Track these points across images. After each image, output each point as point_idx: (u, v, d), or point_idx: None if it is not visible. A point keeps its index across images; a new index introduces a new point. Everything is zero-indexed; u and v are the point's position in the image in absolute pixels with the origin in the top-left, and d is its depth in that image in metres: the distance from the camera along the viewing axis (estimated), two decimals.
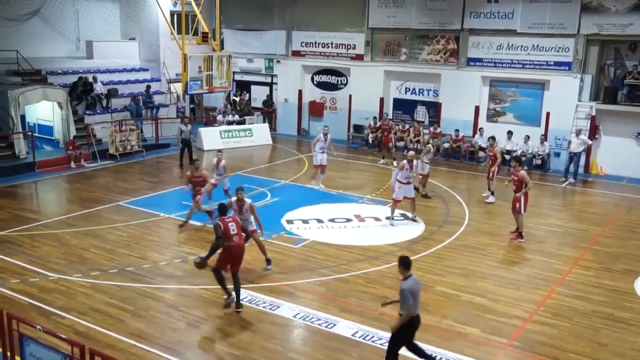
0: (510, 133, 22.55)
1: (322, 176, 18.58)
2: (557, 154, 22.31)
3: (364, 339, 9.64)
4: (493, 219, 16.34)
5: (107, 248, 13.30)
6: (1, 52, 22.39)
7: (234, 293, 10.40)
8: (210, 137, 24.98)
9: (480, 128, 23.33)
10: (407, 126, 25.18)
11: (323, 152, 18.57)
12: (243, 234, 10.71)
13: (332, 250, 13.53)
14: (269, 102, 29.13)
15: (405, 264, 8.18)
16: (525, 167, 22.05)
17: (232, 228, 10.32)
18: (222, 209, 10.67)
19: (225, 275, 10.48)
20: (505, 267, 12.91)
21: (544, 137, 22.24)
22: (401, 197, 15.28)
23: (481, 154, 23.04)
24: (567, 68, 22.18)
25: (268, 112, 29.03)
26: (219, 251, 10.28)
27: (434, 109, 25.34)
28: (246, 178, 19.85)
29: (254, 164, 22.72)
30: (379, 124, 24.86)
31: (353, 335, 9.75)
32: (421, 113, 25.88)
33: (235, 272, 10.37)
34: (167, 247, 13.61)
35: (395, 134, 24.50)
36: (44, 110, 23.50)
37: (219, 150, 16.69)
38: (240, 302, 10.44)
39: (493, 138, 19.70)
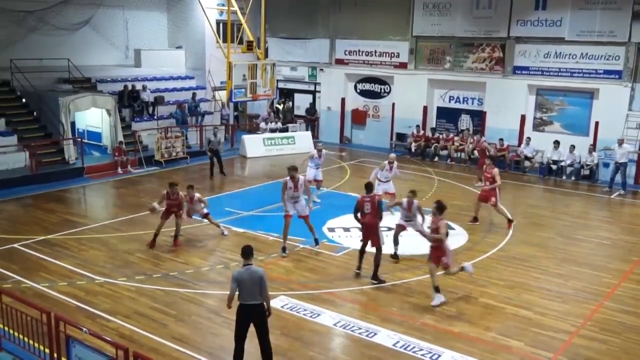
0: (557, 143, 22.10)
1: (317, 191, 17.98)
2: (607, 165, 21.73)
3: (405, 349, 9.53)
4: (539, 230, 16.01)
5: (152, 253, 13.49)
6: (53, 60, 23.08)
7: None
8: (254, 145, 25.17)
9: (528, 137, 22.92)
10: (450, 135, 24.93)
11: (318, 168, 17.90)
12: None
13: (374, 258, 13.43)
14: (311, 110, 29.24)
15: (243, 252, 8.54)
16: (573, 178, 21.68)
17: (367, 207, 12.00)
18: (369, 187, 12.41)
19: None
20: (551, 280, 12.61)
21: (593, 147, 21.72)
22: (381, 192, 15.63)
23: (527, 163, 22.65)
24: (617, 77, 21.63)
25: (311, 120, 29.13)
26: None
27: (478, 117, 25.03)
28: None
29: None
30: (453, 136, 24.63)
31: (394, 345, 9.65)
32: (465, 122, 25.59)
33: (372, 245, 12.10)
34: (210, 253, 13.74)
35: (438, 142, 24.30)
36: (93, 117, 24.08)
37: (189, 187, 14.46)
38: (377, 275, 11.97)
39: (492, 158, 18.10)
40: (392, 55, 26.81)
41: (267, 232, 15.00)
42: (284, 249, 13.51)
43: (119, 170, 21.36)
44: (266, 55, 28.89)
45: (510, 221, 15.83)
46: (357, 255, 12.49)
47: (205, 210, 14.58)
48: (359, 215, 12.20)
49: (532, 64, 23.33)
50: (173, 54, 28.21)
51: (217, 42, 25.92)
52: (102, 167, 21.39)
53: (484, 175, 16.26)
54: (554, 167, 22.26)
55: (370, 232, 12.18)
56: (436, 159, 24.77)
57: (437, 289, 11.12)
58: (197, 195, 14.37)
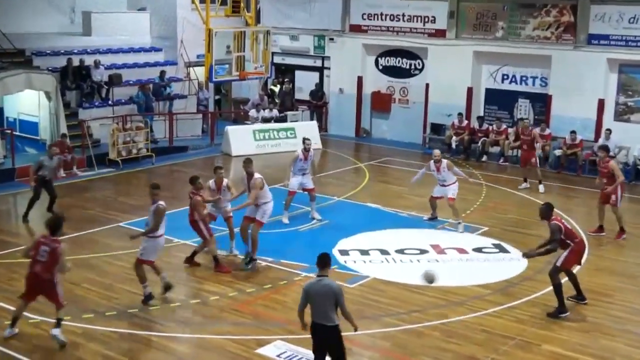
0: None
1: (313, 204, 17.78)
2: None
3: None
4: (622, 253, 15.93)
5: (105, 283, 13.47)
6: None
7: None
8: (241, 139, 25.17)
9: (607, 129, 22.85)
10: (503, 126, 24.88)
11: (304, 174, 17.52)
12: None
13: (400, 291, 13.41)
14: (318, 92, 29.26)
15: (319, 261, 9.24)
16: None
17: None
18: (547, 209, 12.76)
19: None
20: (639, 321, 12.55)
21: None
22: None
23: None
24: None
25: (317, 106, 29.14)
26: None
27: (541, 103, 24.98)
28: (286, 193, 19.86)
29: None
30: (507, 129, 24.77)
31: None
32: (524, 109, 25.54)
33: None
34: (181, 283, 13.71)
35: (487, 135, 24.26)
36: (27, 101, 24.16)
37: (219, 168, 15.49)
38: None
39: (606, 149, 18.28)
40: (426, 19, 26.80)
41: (258, 255, 14.94)
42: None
43: (62, 172, 21.33)
44: (258, 21, 28.92)
45: (622, 230, 16.86)
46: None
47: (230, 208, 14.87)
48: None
49: (613, 32, 23.27)
50: (134, 18, 28.31)
51: (193, 1, 25.97)
52: None
53: (600, 171, 17.20)
54: None
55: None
56: (484, 157, 24.71)
57: None
58: (225, 180, 14.92)
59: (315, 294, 9.04)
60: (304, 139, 17.79)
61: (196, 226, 14.22)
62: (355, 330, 9.51)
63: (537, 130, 19.87)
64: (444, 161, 17.10)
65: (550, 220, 12.56)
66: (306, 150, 17.43)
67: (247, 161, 14.84)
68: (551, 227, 12.49)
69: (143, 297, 12.61)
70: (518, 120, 24.86)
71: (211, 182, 14.78)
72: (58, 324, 11.03)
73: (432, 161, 17.16)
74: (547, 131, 23.72)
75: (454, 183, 17.08)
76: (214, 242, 14.37)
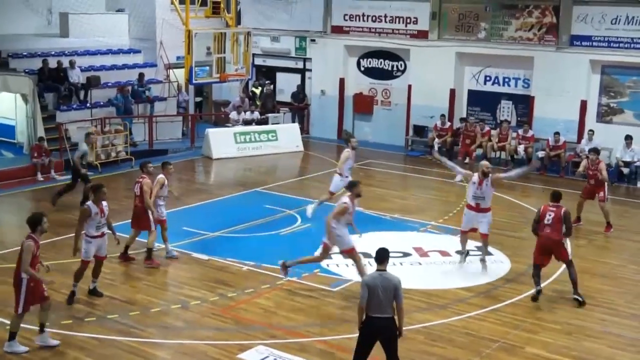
0: (629, 138, 22.21)
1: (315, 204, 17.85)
2: None
3: None
4: (605, 255, 16.06)
5: (83, 288, 13.38)
6: None
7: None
8: (222, 142, 25.17)
9: (590, 130, 22.99)
10: (487, 128, 24.99)
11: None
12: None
13: None
14: (299, 94, 29.28)
15: (377, 256, 9.65)
16: None
17: (548, 218, 13.15)
18: (557, 197, 13.47)
19: None
20: (623, 322, 12.63)
21: None
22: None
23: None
24: None
25: (299, 108, 29.16)
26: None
27: (523, 104, 25.12)
28: (268, 196, 19.91)
29: (279, 178, 22.77)
30: (490, 130, 24.84)
31: None
32: (506, 110, 25.67)
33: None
34: (162, 288, 13.68)
35: (470, 137, 24.35)
36: (4, 104, 24.04)
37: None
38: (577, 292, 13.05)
39: (597, 151, 18.36)
40: (409, 20, 26.91)
41: (239, 259, 14.96)
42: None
43: (39, 176, 21.28)
44: (238, 22, 28.92)
45: (609, 225, 17.48)
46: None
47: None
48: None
49: (595, 33, 23.45)
50: (112, 19, 28.20)
51: (172, 2, 25.92)
52: (16, 173, 21.33)
53: (588, 173, 17.76)
54: (625, 170, 22.35)
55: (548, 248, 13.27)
56: (467, 160, 24.82)
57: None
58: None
59: (377, 287, 9.26)
60: (351, 137, 18.37)
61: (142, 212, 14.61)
62: (400, 335, 9.55)
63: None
64: (491, 175, 14.46)
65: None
66: (353, 148, 17.73)
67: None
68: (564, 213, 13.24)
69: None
70: (501, 122, 25.00)
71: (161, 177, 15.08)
72: (40, 330, 11.03)
73: (476, 173, 14.52)
74: (530, 133, 23.88)
75: (489, 209, 14.60)
76: (154, 234, 14.68)
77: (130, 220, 14.94)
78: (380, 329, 9.34)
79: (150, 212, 14.57)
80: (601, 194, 17.43)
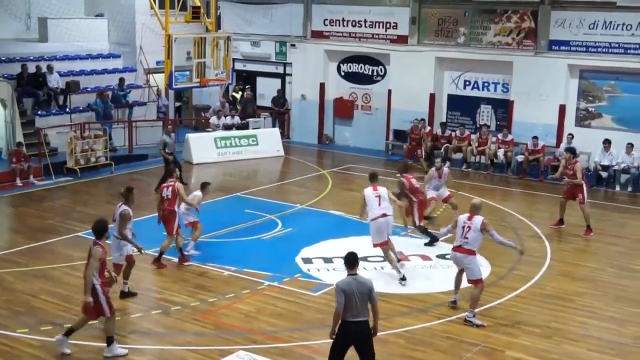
0: (607, 142, 22.35)
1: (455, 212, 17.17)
2: None
3: None
4: (585, 259, 16.14)
5: (63, 294, 13.33)
6: None
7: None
8: (202, 147, 25.11)
9: (569, 134, 23.12)
10: (466, 132, 25.09)
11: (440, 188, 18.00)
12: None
13: None
14: (280, 99, 29.28)
15: (348, 260, 9.59)
16: (630, 188, 21.91)
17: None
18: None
19: None
20: (602, 325, 12.69)
21: None
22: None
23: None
24: None
25: (279, 113, 29.15)
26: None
27: (503, 109, 25.25)
28: (249, 201, 19.87)
29: (259, 183, 22.73)
30: (470, 135, 25.10)
31: None
32: (486, 114, 25.79)
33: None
34: (142, 293, 13.61)
35: (450, 141, 24.40)
36: None
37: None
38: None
39: (572, 151, 18.71)
40: (388, 25, 26.96)
41: (220, 264, 14.93)
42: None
43: (18, 181, 21.14)
44: (218, 26, 28.88)
45: (589, 228, 17.54)
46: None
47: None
48: None
49: (573, 38, 23.57)
50: (91, 24, 28.06)
51: (152, 7, 25.86)
52: None
53: (566, 173, 17.82)
54: (603, 174, 22.49)
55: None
56: (447, 164, 24.83)
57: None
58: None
59: (353, 292, 9.26)
60: (438, 159, 18.78)
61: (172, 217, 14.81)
62: (375, 334, 9.66)
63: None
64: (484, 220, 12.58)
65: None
66: (438, 169, 17.91)
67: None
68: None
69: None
70: (481, 127, 25.11)
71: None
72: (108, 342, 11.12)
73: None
74: (509, 137, 24.01)
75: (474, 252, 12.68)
76: (170, 240, 14.90)
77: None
78: (356, 333, 9.38)
79: (184, 212, 15.11)
80: (580, 196, 17.50)
